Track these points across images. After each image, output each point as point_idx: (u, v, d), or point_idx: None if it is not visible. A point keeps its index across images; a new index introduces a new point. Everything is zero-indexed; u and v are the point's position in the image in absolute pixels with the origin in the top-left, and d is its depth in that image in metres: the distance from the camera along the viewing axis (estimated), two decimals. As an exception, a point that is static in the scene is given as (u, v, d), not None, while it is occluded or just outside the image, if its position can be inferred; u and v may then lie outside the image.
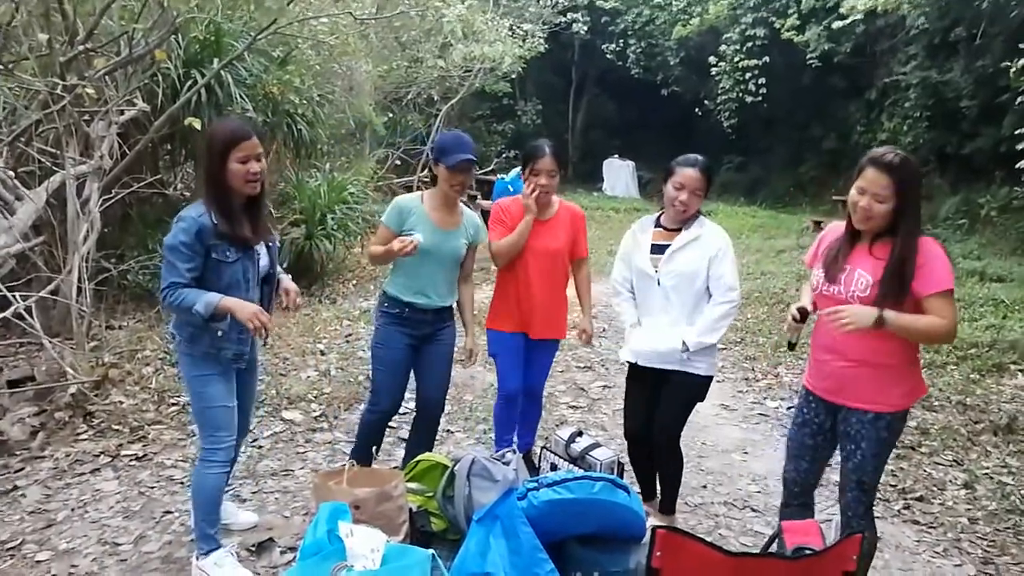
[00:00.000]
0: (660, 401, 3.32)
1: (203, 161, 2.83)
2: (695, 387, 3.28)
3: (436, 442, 4.40)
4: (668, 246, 3.24)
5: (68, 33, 4.89)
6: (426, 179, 16.11)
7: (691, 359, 3.20)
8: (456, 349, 3.64)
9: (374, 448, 3.42)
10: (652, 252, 3.28)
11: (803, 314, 2.76)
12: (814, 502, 2.94)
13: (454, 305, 3.57)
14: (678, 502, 3.62)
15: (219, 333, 2.79)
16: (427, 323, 3.43)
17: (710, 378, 3.31)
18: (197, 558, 2.92)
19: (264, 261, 2.92)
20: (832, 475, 4.22)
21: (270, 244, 2.97)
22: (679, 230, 3.25)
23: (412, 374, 3.54)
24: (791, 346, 2.91)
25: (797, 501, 2.89)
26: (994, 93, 11.94)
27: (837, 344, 2.60)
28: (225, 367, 2.87)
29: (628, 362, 3.41)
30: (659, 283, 3.24)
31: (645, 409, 3.39)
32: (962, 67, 13.13)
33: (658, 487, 3.55)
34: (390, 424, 4.54)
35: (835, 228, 2.74)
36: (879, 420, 2.57)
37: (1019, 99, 9.66)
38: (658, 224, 3.35)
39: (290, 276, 3.19)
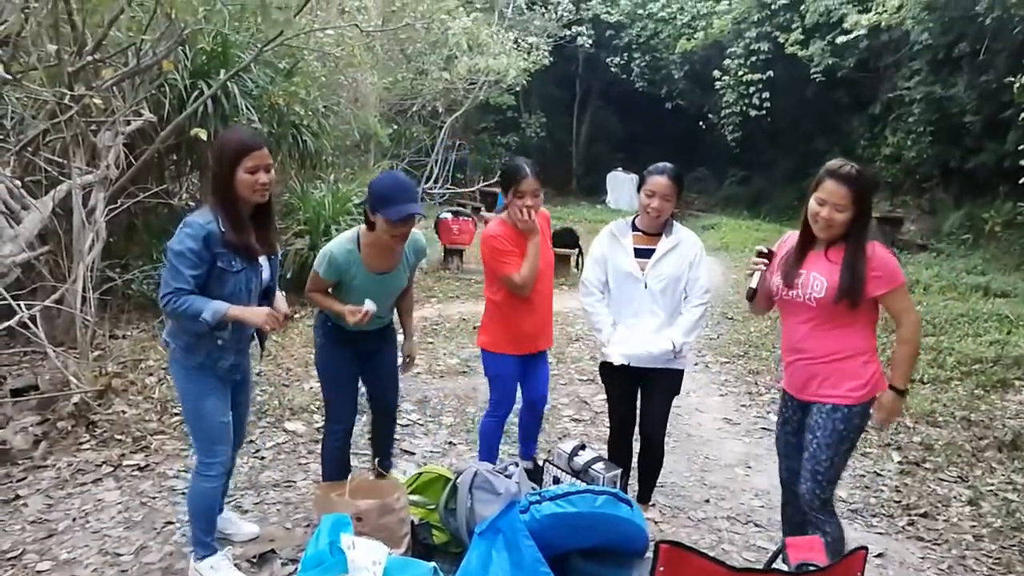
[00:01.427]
0: (645, 398, 3.52)
1: (212, 169, 2.79)
2: (676, 381, 3.51)
3: (438, 455, 4.42)
4: (652, 250, 3.40)
5: (76, 44, 4.92)
6: (430, 191, 16.22)
7: (678, 358, 3.40)
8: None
9: (348, 478, 3.21)
10: (638, 256, 3.41)
11: (768, 253, 2.92)
12: None
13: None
14: (681, 517, 3.62)
15: (219, 342, 2.78)
16: (370, 340, 3.37)
17: (683, 372, 3.55)
18: (195, 560, 2.95)
19: (266, 274, 2.90)
20: (836, 490, 4.22)
21: (272, 257, 2.95)
22: (658, 235, 3.42)
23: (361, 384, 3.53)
24: (750, 295, 2.99)
25: (795, 500, 2.98)
26: (998, 108, 11.96)
27: (800, 343, 2.81)
28: (221, 379, 2.85)
29: (609, 363, 3.47)
30: (646, 286, 3.38)
31: (630, 406, 3.58)
32: (966, 82, 13.16)
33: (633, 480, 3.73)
34: (394, 436, 4.55)
35: (790, 237, 2.94)
36: (835, 411, 2.73)
37: (1023, 115, 9.67)
38: (635, 228, 3.48)
39: (283, 294, 3.16)
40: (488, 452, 3.83)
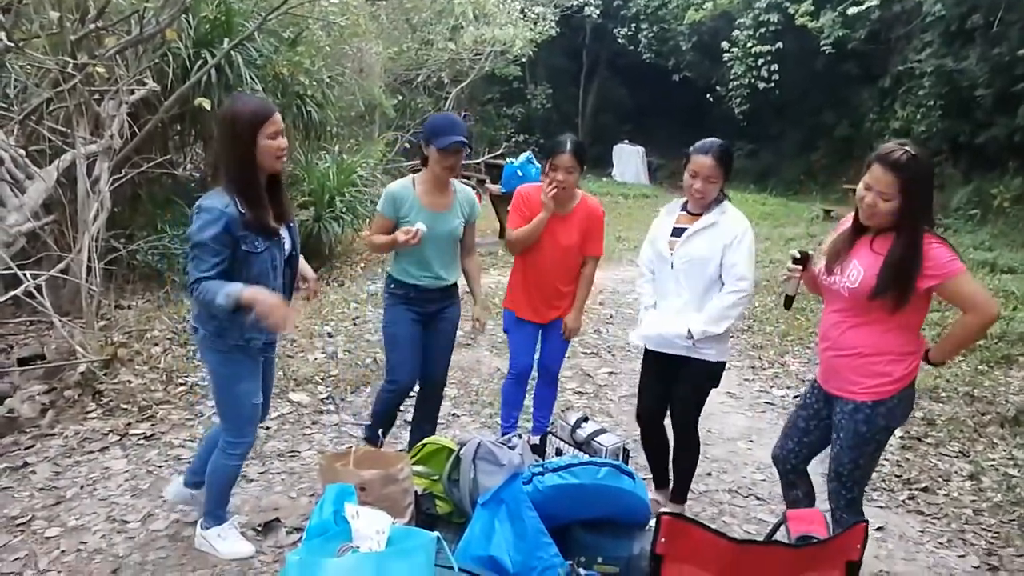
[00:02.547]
0: (673, 388, 3.33)
1: (225, 144, 2.66)
2: (705, 373, 3.25)
3: (442, 426, 4.43)
4: (686, 229, 3.22)
5: (79, 11, 4.88)
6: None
7: (698, 346, 3.18)
8: (460, 332, 3.67)
9: (381, 431, 3.49)
10: (672, 235, 3.27)
11: (803, 257, 2.76)
12: (806, 483, 2.96)
13: (458, 282, 3.61)
14: (683, 489, 3.61)
15: (248, 322, 2.69)
16: (433, 301, 3.50)
17: (723, 363, 3.29)
18: (202, 527, 3.00)
19: (287, 244, 2.89)
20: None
21: (291, 225, 2.94)
22: (701, 215, 3.22)
23: None
24: (788, 302, 2.90)
25: (787, 479, 2.97)
26: (1010, 82, 11.80)
27: (828, 332, 2.68)
28: (254, 360, 2.85)
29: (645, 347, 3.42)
30: (672, 266, 3.23)
31: (657, 394, 3.40)
32: (978, 55, 12.96)
33: (671, 475, 3.55)
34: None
35: (846, 220, 2.74)
36: (857, 412, 2.60)
37: (1034, 88, 9.56)
38: (684, 208, 3.33)
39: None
40: (504, 411, 4.02)
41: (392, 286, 3.50)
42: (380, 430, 3.55)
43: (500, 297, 3.93)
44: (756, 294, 8.00)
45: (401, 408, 3.72)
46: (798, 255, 2.76)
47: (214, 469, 2.95)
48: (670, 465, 3.54)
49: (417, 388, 3.72)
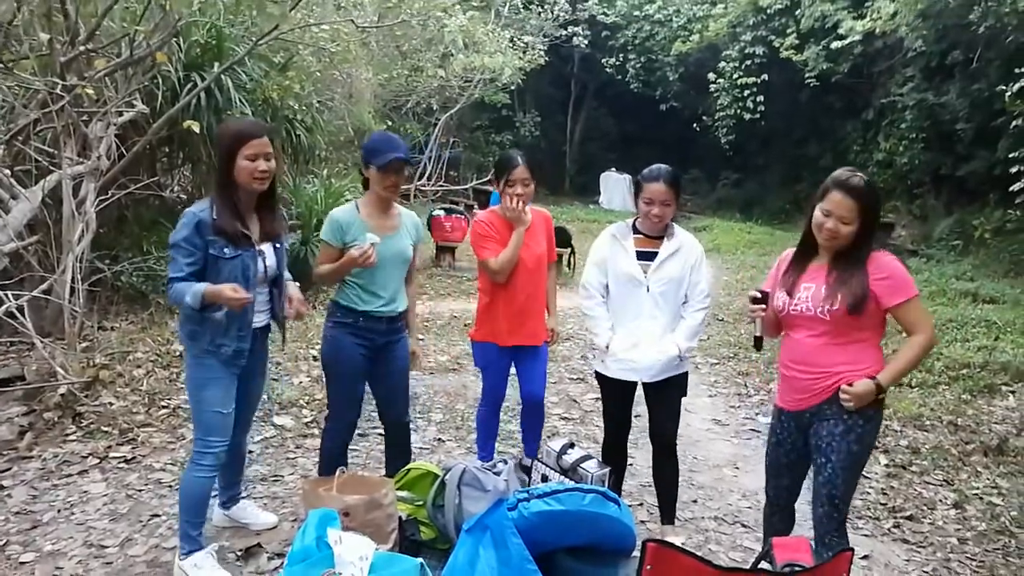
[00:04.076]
0: (654, 404, 3.43)
1: (216, 157, 2.94)
2: (682, 385, 3.42)
3: (427, 451, 4.41)
4: (655, 254, 3.33)
5: (69, 33, 4.88)
6: (423, 188, 16.18)
7: (682, 361, 3.34)
8: None
9: (339, 470, 3.17)
10: (640, 259, 3.34)
11: (763, 296, 2.80)
12: (795, 511, 3.02)
13: (405, 310, 3.46)
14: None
15: (217, 319, 2.79)
16: (380, 332, 3.31)
17: (687, 372, 3.46)
18: (179, 558, 2.94)
19: (271, 261, 2.94)
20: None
21: (278, 245, 2.99)
22: (660, 238, 3.36)
23: (369, 388, 3.45)
24: (758, 344, 2.92)
25: (780, 510, 2.98)
26: (989, 116, 12.05)
27: (807, 356, 2.70)
28: (226, 367, 2.87)
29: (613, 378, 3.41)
30: (648, 289, 3.31)
31: (625, 418, 3.56)
32: (958, 90, 13.24)
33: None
34: (381, 432, 4.53)
35: (786, 256, 2.87)
36: (849, 433, 2.62)
37: (1014, 123, 9.75)
38: (635, 231, 3.40)
39: (296, 284, 3.19)
40: (481, 442, 3.93)
41: (338, 314, 3.29)
42: (338, 469, 3.15)
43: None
44: (743, 322, 8.04)
45: (384, 433, 3.66)
46: (758, 295, 2.80)
47: (184, 485, 2.94)
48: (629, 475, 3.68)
49: (383, 428, 3.60)
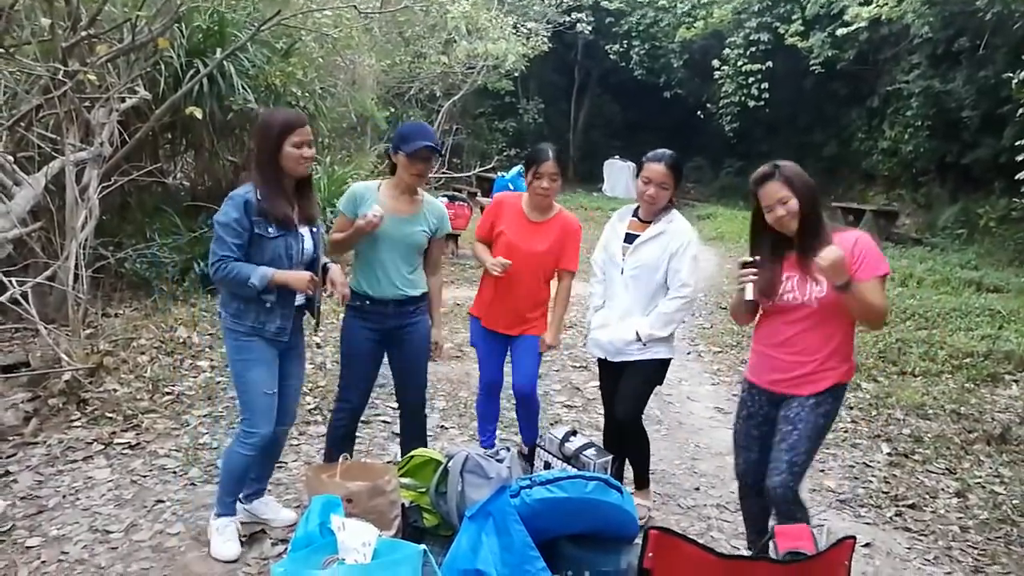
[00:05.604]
0: (617, 387, 3.47)
1: (256, 144, 3.02)
2: (652, 371, 3.43)
3: (430, 438, 4.41)
4: (638, 236, 3.38)
5: (71, 19, 4.86)
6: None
7: (649, 347, 3.35)
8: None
9: (343, 457, 3.19)
10: (625, 241, 3.43)
11: (753, 261, 2.80)
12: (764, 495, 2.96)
13: (422, 296, 3.45)
14: (670, 504, 3.62)
15: (267, 305, 2.90)
16: (388, 316, 3.33)
17: (669, 360, 3.48)
18: (213, 515, 3.09)
19: (308, 244, 3.03)
20: (825, 480, 4.24)
21: (314, 229, 3.08)
22: (651, 222, 3.39)
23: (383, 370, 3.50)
24: (751, 307, 2.89)
25: (753, 491, 2.96)
26: (995, 104, 11.96)
27: (798, 339, 2.75)
28: (270, 345, 2.96)
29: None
30: (622, 272, 3.38)
31: (613, 393, 3.56)
32: (964, 77, 13.14)
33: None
34: (385, 419, 4.54)
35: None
36: (819, 407, 2.72)
37: (1020, 110, 9.68)
38: (635, 215, 3.49)
39: (337, 265, 3.20)
40: (481, 426, 4.00)
41: (352, 299, 3.35)
42: (342, 455, 3.19)
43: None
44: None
45: (388, 419, 3.69)
46: (749, 259, 2.82)
47: (227, 455, 3.05)
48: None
49: (399, 411, 3.64)
